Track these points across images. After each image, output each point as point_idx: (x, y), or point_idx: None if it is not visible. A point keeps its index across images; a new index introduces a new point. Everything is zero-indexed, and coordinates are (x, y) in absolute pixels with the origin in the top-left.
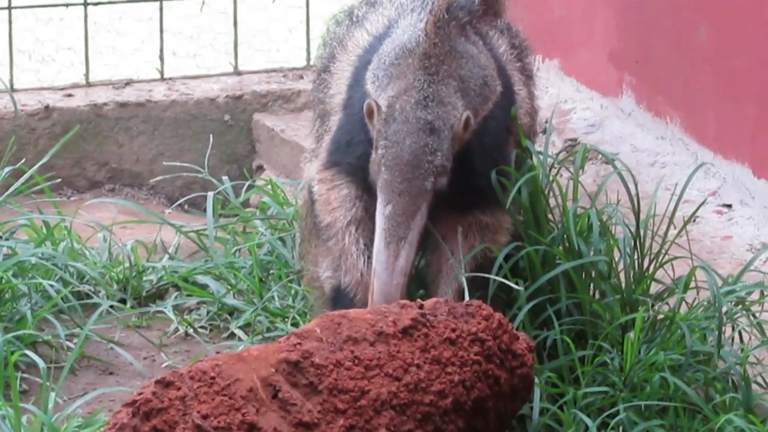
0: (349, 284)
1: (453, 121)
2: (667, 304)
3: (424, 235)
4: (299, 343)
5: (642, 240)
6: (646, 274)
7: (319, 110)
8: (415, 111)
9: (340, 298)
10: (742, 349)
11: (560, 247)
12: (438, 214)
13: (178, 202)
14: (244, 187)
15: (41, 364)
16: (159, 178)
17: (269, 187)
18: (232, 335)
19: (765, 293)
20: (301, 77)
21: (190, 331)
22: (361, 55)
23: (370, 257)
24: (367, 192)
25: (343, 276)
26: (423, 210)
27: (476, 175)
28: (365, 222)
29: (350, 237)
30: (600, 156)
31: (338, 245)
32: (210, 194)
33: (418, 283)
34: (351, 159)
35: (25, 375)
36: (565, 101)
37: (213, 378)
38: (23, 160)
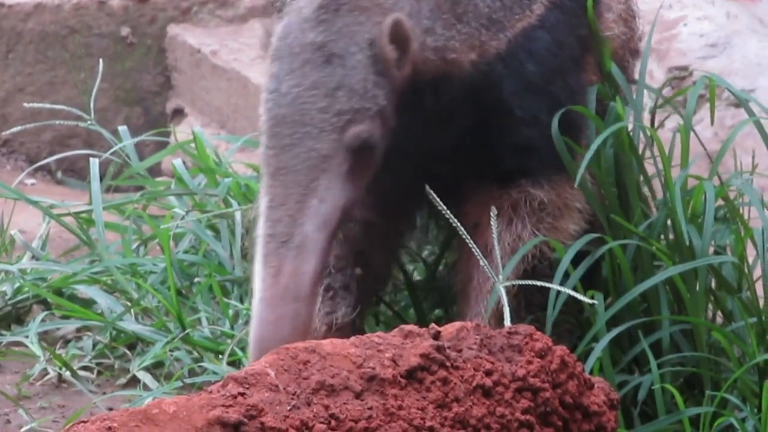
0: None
1: (371, 36)
2: None
3: (446, 224)
4: (242, 394)
5: None
6: None
7: None
8: (304, 34)
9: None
10: None
11: (661, 242)
12: (463, 188)
13: (44, 166)
14: (153, 144)
15: None
16: (16, 129)
17: (193, 144)
18: (134, 380)
19: None
20: None
21: (67, 374)
22: None
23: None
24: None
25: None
26: (325, 188)
27: (516, 122)
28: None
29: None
30: (726, 94)
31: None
32: (97, 155)
33: (436, 297)
34: None
35: None
36: (670, 6)
37: None
38: None
